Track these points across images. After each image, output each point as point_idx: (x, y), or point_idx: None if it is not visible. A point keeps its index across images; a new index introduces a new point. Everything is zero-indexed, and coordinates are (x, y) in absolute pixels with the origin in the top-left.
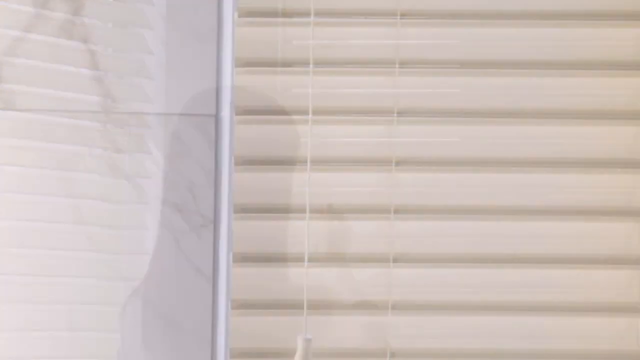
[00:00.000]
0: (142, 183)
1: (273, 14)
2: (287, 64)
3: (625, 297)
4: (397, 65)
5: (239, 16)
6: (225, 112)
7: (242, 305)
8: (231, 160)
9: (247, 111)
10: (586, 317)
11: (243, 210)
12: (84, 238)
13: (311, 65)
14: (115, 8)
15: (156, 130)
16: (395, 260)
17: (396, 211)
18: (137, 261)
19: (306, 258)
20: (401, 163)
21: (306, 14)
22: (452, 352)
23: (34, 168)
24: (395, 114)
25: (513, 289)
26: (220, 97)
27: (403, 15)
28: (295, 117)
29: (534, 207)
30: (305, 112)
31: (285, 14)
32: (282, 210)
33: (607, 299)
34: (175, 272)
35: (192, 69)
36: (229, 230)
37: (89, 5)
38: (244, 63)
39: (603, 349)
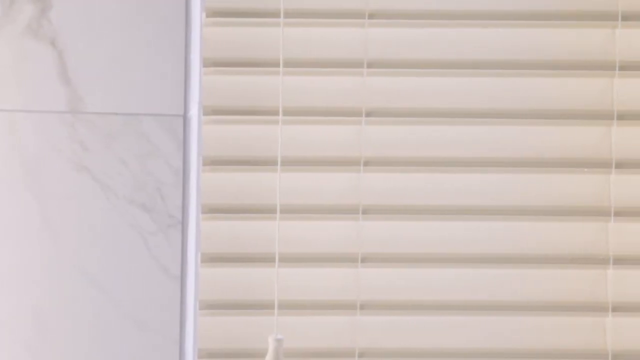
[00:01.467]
0: (109, 183)
1: (241, 14)
2: (255, 64)
3: (593, 296)
4: (365, 66)
5: (207, 16)
6: (194, 112)
7: (211, 306)
8: (199, 161)
9: (216, 111)
10: (554, 316)
11: (211, 210)
12: (51, 238)
13: (281, 66)
14: (82, 8)
15: (124, 130)
16: (363, 261)
17: (364, 212)
18: (104, 261)
19: (277, 258)
20: (369, 164)
21: (276, 14)
22: (421, 352)
23: (0, 168)
24: (363, 115)
25: (482, 288)
26: (188, 97)
27: (371, 15)
28: (264, 117)
29: (502, 207)
30: (273, 112)
31: (254, 14)
32: (250, 211)
33: (575, 299)
34: (143, 273)
35: (160, 69)
36: (197, 231)
37: (56, 5)
38: (212, 63)
39: (571, 347)
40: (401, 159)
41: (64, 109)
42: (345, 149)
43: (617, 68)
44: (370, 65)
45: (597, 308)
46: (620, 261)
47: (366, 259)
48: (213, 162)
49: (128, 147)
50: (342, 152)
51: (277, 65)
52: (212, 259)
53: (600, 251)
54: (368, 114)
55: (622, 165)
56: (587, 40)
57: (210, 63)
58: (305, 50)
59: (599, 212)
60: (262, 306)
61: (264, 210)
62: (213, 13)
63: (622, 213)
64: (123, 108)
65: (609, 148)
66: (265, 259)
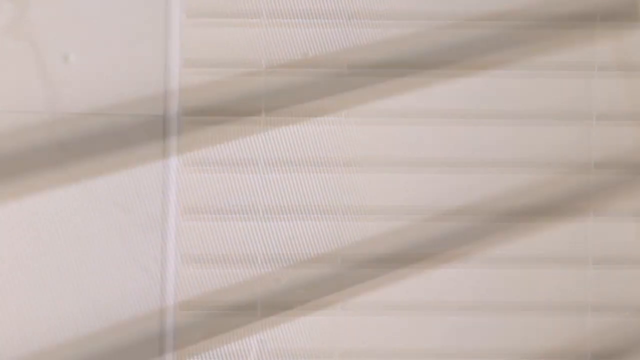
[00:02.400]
0: (89, 183)
1: (222, 14)
2: (236, 64)
3: (572, 296)
4: (346, 66)
5: (187, 16)
6: (173, 113)
7: (191, 306)
8: (179, 161)
9: (196, 112)
10: (534, 316)
11: (191, 211)
12: (31, 239)
13: (264, 66)
14: (62, 8)
15: (104, 130)
16: (344, 261)
17: (345, 212)
18: (84, 262)
19: (259, 258)
20: (350, 163)
21: (257, 14)
22: (401, 352)
23: None
24: (344, 115)
25: (461, 288)
26: (167, 97)
27: (351, 16)
28: (245, 117)
29: (480, 208)
30: (254, 112)
31: (235, 14)
32: (230, 211)
33: (555, 298)
34: (122, 273)
35: (140, 70)
36: (177, 231)
37: (35, 4)
38: (192, 63)
39: (551, 348)
40: (381, 159)
41: (43, 109)
42: (327, 149)
43: (596, 68)
44: (350, 65)
45: (576, 308)
46: (600, 261)
47: (347, 259)
48: (193, 163)
49: (107, 147)
50: (324, 152)
51: (257, 65)
52: (192, 259)
53: (580, 251)
54: (349, 114)
55: (602, 165)
56: (566, 41)
57: (190, 63)
58: (286, 50)
59: (578, 213)
60: (243, 307)
61: (243, 211)
62: (193, 13)
63: (602, 213)
64: (102, 108)
65: (588, 148)
66: (245, 259)
